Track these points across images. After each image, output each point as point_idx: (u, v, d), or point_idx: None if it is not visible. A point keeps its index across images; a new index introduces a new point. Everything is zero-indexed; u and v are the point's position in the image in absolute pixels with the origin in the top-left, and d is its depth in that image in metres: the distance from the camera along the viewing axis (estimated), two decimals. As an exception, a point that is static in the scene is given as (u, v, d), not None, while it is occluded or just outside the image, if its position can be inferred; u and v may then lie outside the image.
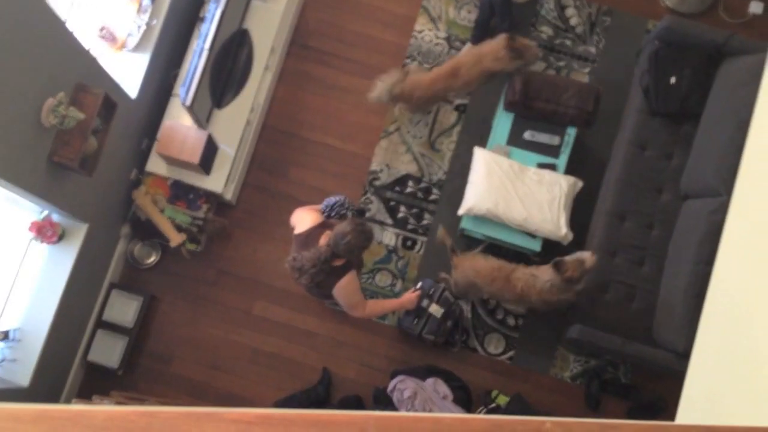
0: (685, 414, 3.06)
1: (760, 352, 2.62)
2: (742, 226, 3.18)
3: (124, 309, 4.92)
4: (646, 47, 4.99)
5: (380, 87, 4.78)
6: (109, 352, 4.86)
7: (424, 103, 4.92)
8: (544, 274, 4.34)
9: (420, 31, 5.40)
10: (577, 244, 4.80)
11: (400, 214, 5.16)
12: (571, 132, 4.92)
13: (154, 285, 5.06)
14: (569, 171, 4.91)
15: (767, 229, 2.91)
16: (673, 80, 4.77)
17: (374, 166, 5.21)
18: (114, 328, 4.88)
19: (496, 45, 4.72)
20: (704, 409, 2.93)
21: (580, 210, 4.87)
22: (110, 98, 4.04)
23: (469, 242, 5.09)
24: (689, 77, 4.75)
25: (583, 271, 4.24)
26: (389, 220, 5.15)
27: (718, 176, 4.36)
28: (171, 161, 4.70)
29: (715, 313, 3.13)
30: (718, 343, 3.04)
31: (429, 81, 4.74)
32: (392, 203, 5.17)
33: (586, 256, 4.30)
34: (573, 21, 5.41)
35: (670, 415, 3.34)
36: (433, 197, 5.18)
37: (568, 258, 4.31)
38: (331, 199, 4.11)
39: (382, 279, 5.07)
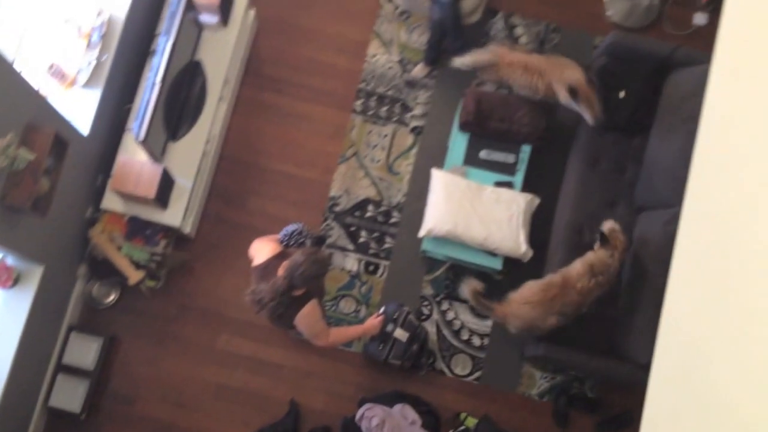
0: (647, 429, 3.09)
1: (715, 365, 2.66)
2: (693, 237, 3.22)
3: (84, 351, 4.82)
4: (594, 63, 5.08)
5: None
6: (70, 396, 4.74)
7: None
8: (594, 257, 4.36)
9: (373, 56, 5.42)
10: (538, 260, 4.84)
11: (361, 239, 5.15)
12: (526, 150, 4.98)
13: (115, 325, 4.96)
14: (526, 188, 4.95)
15: (717, 239, 2.95)
16: (622, 94, 4.85)
17: (333, 192, 5.20)
18: (75, 371, 4.77)
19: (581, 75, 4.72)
20: (666, 423, 2.96)
21: (539, 226, 4.91)
22: (61, 137, 3.98)
23: (430, 264, 5.10)
24: (637, 91, 4.83)
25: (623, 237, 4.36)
26: (350, 246, 5.13)
27: (670, 187, 4.43)
28: (127, 197, 4.64)
29: (671, 326, 3.16)
30: (676, 356, 3.07)
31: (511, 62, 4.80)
32: (353, 228, 5.16)
33: (609, 224, 4.40)
34: (523, 40, 5.48)
35: (637, 427, 3.35)
36: (393, 220, 5.18)
37: (605, 231, 4.39)
38: (289, 228, 4.08)
39: (346, 305, 5.05)
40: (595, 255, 4.38)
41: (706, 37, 5.41)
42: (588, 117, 4.71)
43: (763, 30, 3.13)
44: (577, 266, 4.39)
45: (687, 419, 2.82)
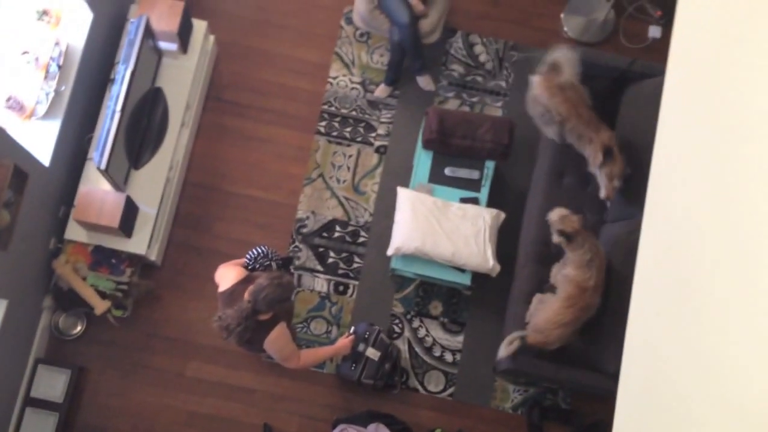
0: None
1: (679, 371, 2.69)
2: (654, 246, 3.27)
3: (53, 384, 4.74)
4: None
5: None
6: (40, 430, 4.66)
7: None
8: (573, 255, 4.36)
9: (335, 77, 5.45)
10: (507, 274, 4.87)
11: (330, 260, 5.15)
12: (490, 165, 5.01)
13: (83, 356, 4.90)
14: (491, 203, 4.99)
15: (678, 248, 3.00)
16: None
17: (300, 214, 5.20)
18: (43, 404, 4.69)
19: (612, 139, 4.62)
20: (635, 430, 2.98)
21: (506, 241, 4.94)
22: (21, 169, 3.95)
23: (400, 282, 5.11)
24: (597, 106, 4.89)
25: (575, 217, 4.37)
26: (319, 267, 5.13)
27: (632, 198, 4.49)
28: (90, 227, 4.60)
29: (636, 334, 3.20)
30: (642, 364, 3.10)
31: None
32: (321, 250, 5.16)
33: (557, 214, 4.41)
34: (482, 58, 5.55)
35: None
36: (361, 240, 5.19)
37: (551, 220, 4.38)
38: (254, 251, 4.07)
39: (317, 327, 5.03)
40: (572, 253, 4.40)
41: (662, 49, 5.49)
42: (602, 189, 4.66)
43: (711, 38, 3.20)
44: (571, 271, 4.39)
45: (656, 426, 2.85)
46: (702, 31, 3.34)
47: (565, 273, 4.43)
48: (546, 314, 4.43)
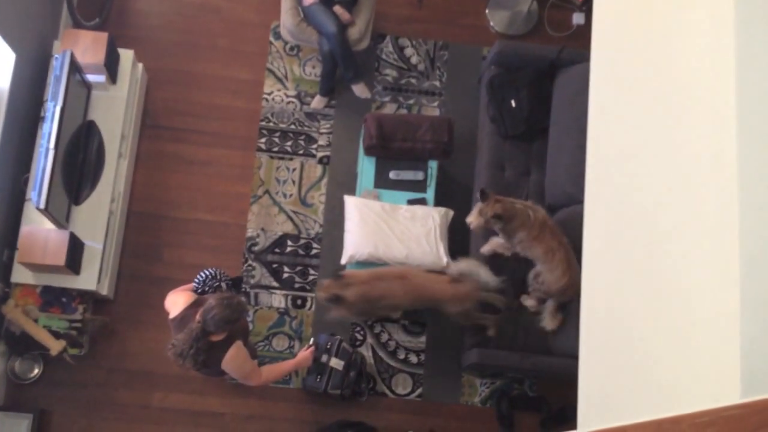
0: (584, 419, 3.16)
1: (637, 342, 2.75)
2: (597, 226, 3.34)
3: (15, 430, 4.64)
4: (484, 74, 5.22)
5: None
6: (4, 480, 4.58)
7: None
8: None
9: (270, 93, 5.45)
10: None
11: (285, 275, 5.14)
12: (433, 165, 5.06)
13: (43, 399, 4.81)
14: (439, 202, 5.03)
15: (619, 225, 3.07)
16: (513, 104, 4.99)
17: (250, 233, 5.19)
18: (6, 454, 4.61)
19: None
20: (600, 410, 3.03)
21: (458, 237, 4.99)
22: (-44, 218, 3.87)
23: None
24: (527, 97, 4.99)
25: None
26: (275, 283, 5.12)
27: (574, 183, 4.56)
28: (36, 268, 4.53)
29: (590, 313, 3.25)
30: (599, 341, 3.16)
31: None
32: (275, 266, 5.15)
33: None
34: (413, 60, 5.61)
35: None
36: (314, 252, 5.19)
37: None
38: (202, 274, 4.05)
39: (279, 343, 5.02)
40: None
41: (587, 35, 5.59)
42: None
43: (629, 17, 3.29)
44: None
45: (618, 400, 2.90)
46: (620, 11, 3.44)
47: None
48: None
